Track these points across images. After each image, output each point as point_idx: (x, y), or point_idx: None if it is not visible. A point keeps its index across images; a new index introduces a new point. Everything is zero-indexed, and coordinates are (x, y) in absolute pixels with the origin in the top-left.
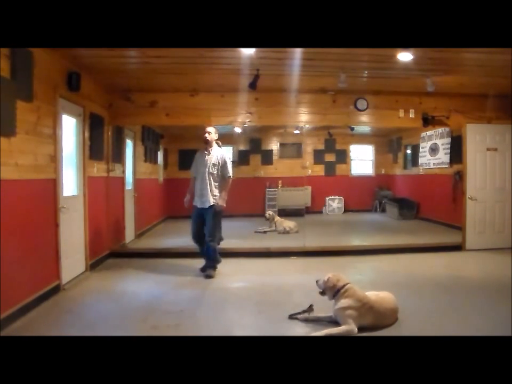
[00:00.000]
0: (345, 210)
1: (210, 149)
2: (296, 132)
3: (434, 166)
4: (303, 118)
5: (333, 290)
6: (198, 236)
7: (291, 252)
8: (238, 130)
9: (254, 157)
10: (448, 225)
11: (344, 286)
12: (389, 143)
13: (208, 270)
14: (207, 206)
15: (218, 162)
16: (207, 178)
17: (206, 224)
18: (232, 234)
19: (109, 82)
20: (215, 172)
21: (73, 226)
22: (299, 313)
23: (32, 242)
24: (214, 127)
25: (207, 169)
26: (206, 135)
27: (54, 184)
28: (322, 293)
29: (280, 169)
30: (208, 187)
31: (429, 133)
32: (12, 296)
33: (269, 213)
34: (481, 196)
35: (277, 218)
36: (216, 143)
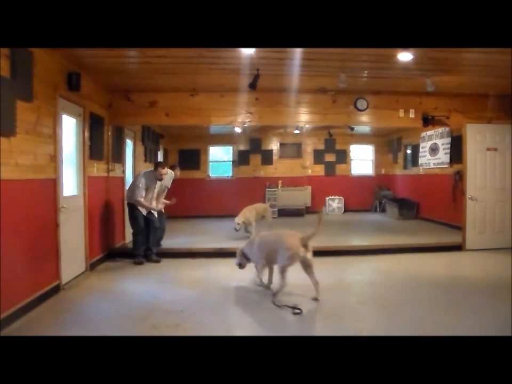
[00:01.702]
0: (345, 210)
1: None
2: (296, 131)
3: (434, 166)
4: (303, 118)
5: (241, 253)
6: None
7: None
8: (238, 130)
9: (254, 157)
10: (448, 225)
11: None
12: (389, 143)
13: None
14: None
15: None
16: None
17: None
18: (232, 234)
19: (109, 82)
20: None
21: (73, 226)
22: (285, 306)
23: (32, 242)
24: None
25: (157, 190)
26: (163, 177)
27: (54, 184)
28: (241, 266)
29: (280, 169)
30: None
31: (429, 133)
32: (12, 296)
33: (238, 222)
34: (481, 195)
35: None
36: (172, 166)
